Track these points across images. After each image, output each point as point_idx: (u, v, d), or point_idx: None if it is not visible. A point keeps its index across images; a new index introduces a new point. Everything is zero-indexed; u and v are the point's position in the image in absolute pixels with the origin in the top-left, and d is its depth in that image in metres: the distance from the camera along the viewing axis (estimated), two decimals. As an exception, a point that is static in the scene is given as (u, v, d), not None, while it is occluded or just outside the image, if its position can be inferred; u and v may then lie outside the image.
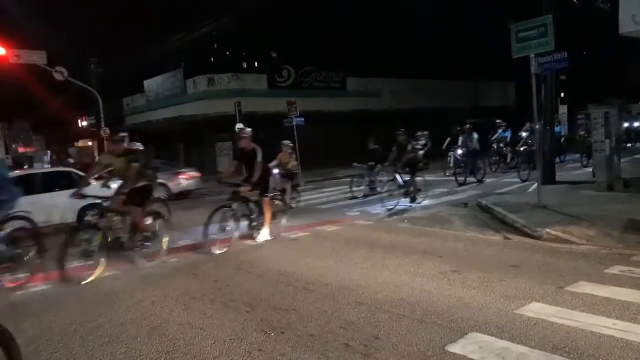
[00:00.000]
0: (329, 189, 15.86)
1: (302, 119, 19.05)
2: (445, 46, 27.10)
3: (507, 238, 7.44)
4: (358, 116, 26.83)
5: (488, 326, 4.03)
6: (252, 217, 7.99)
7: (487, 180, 14.69)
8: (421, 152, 13.53)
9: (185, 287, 5.63)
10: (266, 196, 7.92)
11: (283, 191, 10.62)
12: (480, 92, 33.38)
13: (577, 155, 17.41)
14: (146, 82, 28.95)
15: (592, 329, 3.85)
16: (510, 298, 4.66)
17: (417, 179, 11.15)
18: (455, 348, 3.67)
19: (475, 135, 15.26)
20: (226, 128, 20.30)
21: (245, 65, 27.09)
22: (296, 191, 12.25)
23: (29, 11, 25.72)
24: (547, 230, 7.25)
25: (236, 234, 7.68)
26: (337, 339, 3.95)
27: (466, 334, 3.91)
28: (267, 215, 7.92)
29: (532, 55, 9.00)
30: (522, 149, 15.32)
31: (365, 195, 12.94)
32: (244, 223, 8.00)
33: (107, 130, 22.23)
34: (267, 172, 8.04)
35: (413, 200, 10.91)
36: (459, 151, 15.10)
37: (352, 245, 7.50)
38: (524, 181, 13.39)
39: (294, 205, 11.46)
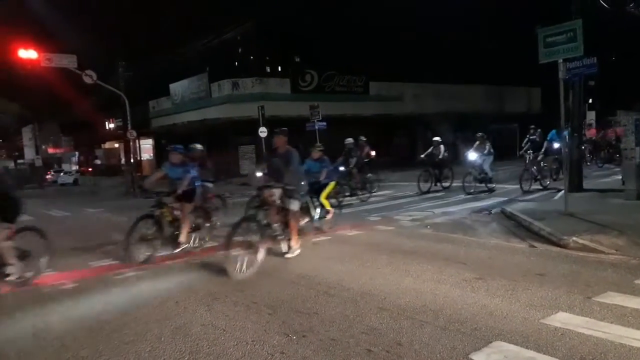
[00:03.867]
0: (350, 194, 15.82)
1: (325, 123, 19.11)
2: (469, 51, 26.87)
3: (533, 246, 7.31)
4: (380, 120, 26.79)
5: (513, 335, 3.96)
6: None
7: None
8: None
9: (208, 288, 5.68)
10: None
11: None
12: (505, 98, 32.95)
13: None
14: (172, 86, 29.47)
15: (622, 341, 3.75)
16: (536, 307, 4.57)
17: None
18: (479, 357, 3.62)
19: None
20: (250, 132, 20.51)
21: (268, 70, 27.33)
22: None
23: (60, 16, 26.46)
24: (574, 238, 7.09)
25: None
26: (359, 344, 3.94)
27: (490, 342, 3.85)
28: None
29: (561, 60, 8.85)
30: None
31: None
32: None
33: (134, 133, 22.66)
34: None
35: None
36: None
37: (373, 250, 7.46)
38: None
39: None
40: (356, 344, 3.93)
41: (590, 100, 27.38)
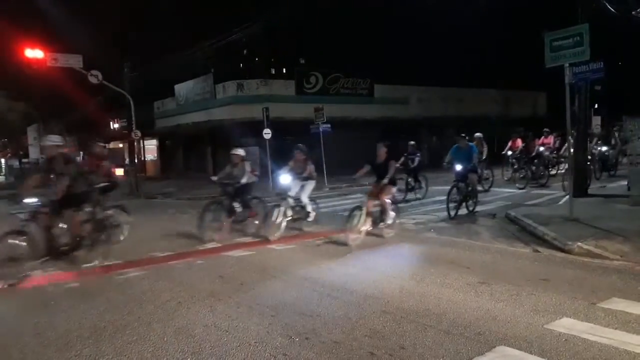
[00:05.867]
0: (354, 196, 15.80)
1: (329, 125, 19.10)
2: (474, 54, 26.84)
3: (537, 251, 7.28)
4: (385, 123, 26.72)
5: (517, 340, 3.94)
6: None
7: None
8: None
9: (211, 289, 5.68)
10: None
11: None
12: (510, 102, 32.87)
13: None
14: (177, 87, 29.52)
15: (626, 348, 3.73)
16: (540, 312, 4.55)
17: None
18: (482, 361, 3.61)
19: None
20: (254, 133, 20.52)
21: (273, 72, 27.36)
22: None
23: (66, 16, 26.59)
24: (579, 244, 7.06)
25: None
26: (362, 347, 3.93)
27: (494, 347, 3.84)
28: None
29: (567, 64, 8.83)
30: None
31: None
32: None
33: (138, 133, 22.72)
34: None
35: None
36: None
37: (376, 253, 7.45)
38: None
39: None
40: (359, 347, 3.92)
41: (596, 105, 27.22)
